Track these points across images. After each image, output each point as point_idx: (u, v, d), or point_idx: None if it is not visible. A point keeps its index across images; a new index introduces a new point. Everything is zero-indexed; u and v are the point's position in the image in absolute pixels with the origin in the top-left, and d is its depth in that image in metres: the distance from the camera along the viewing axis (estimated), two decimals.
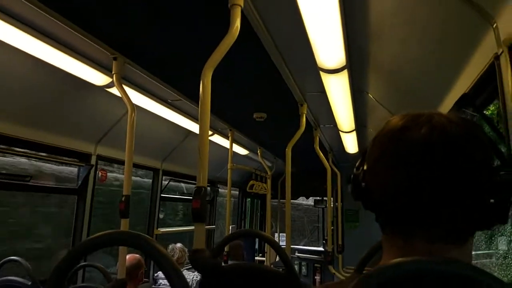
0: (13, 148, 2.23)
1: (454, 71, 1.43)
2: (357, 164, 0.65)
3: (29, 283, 1.90)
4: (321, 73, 2.09)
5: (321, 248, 6.60)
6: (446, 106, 1.63)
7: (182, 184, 4.91)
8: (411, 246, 0.57)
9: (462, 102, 1.30)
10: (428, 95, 1.94)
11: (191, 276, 3.28)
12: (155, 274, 3.50)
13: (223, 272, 1.40)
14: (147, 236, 0.67)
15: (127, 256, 2.52)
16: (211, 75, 1.33)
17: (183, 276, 0.63)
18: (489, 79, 1.14)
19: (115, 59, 2.01)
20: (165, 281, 3.42)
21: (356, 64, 2.03)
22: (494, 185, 0.55)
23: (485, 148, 0.56)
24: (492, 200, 0.54)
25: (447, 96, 1.61)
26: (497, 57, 1.04)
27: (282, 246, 1.67)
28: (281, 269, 1.74)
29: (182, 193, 4.73)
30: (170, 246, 3.67)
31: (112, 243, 0.69)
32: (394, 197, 0.57)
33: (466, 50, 1.26)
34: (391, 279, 0.46)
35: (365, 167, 0.62)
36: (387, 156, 0.59)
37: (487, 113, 1.37)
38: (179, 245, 3.67)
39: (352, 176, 0.65)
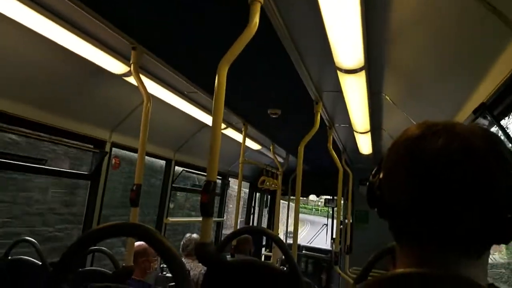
0: (31, 131, 2.28)
1: (473, 79, 1.40)
2: (373, 171, 0.65)
3: (39, 263, 1.95)
4: (338, 72, 2.07)
5: (329, 247, 6.58)
6: (463, 113, 1.60)
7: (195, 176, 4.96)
8: (424, 257, 0.56)
9: (480, 111, 1.28)
10: (445, 100, 1.91)
11: (199, 269, 3.31)
12: (162, 264, 3.55)
13: (227, 266, 1.42)
14: (153, 228, 0.68)
15: (136, 243, 2.56)
16: (226, 70, 1.33)
17: (186, 272, 0.64)
18: (509, 89, 1.12)
19: (134, 48, 2.03)
20: None
21: (374, 65, 2.00)
22: None
23: (505, 162, 0.55)
24: (510, 215, 0.53)
25: (465, 103, 1.58)
26: None
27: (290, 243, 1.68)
28: (286, 266, 1.75)
29: (194, 184, 4.77)
30: (187, 235, 3.70)
31: (120, 234, 0.71)
32: (408, 207, 0.56)
33: (487, 58, 1.23)
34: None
35: (381, 176, 0.62)
36: (403, 165, 0.58)
37: None
38: (195, 235, 3.67)
39: (368, 183, 0.65)
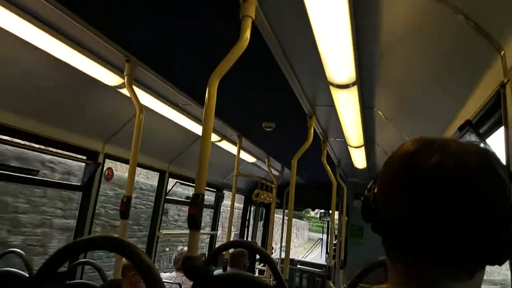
0: (24, 142, 2.28)
1: (460, 95, 1.41)
2: (368, 186, 0.65)
3: (27, 275, 1.92)
4: (330, 87, 2.08)
5: (323, 262, 6.54)
6: (452, 129, 1.61)
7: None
8: (413, 274, 0.56)
9: (465, 127, 1.29)
10: (434, 116, 1.93)
11: (190, 283, 3.27)
12: None
13: (213, 281, 1.40)
14: (133, 244, 0.68)
15: None
16: (217, 84, 1.34)
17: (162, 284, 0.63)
18: (494, 107, 1.13)
19: (128, 61, 2.04)
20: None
21: (366, 80, 2.02)
22: (507, 220, 0.53)
23: (500, 182, 0.54)
24: (504, 236, 0.52)
25: (454, 119, 1.59)
26: (503, 85, 1.03)
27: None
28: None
29: (187, 197, 4.75)
30: (179, 249, 3.67)
31: (98, 248, 0.70)
32: (400, 223, 0.56)
33: (473, 75, 1.25)
34: None
35: (376, 190, 0.62)
36: (396, 181, 0.58)
37: None
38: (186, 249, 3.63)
39: (363, 198, 0.65)
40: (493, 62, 1.10)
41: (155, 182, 4.17)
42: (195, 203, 1.24)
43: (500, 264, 0.54)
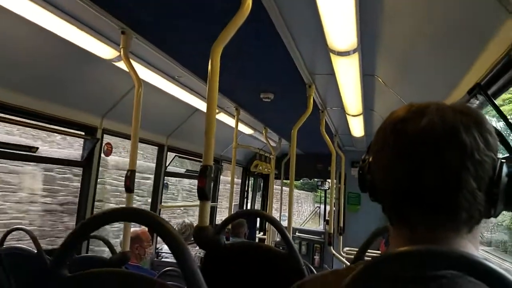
0: (20, 119, 2.24)
1: (468, 59, 1.40)
2: (363, 156, 0.66)
3: (35, 251, 1.94)
4: (331, 55, 2.05)
5: (321, 229, 6.68)
6: (457, 94, 1.60)
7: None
8: (416, 235, 0.57)
9: (475, 91, 1.28)
10: (439, 82, 1.91)
11: (194, 252, 3.34)
12: (159, 247, 3.58)
13: (225, 249, 1.43)
14: (156, 214, 0.68)
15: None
16: (220, 53, 1.31)
17: (190, 253, 0.64)
18: (504, 69, 1.12)
19: (123, 33, 1.98)
20: (167, 255, 3.49)
21: (367, 47, 1.99)
22: (498, 175, 0.54)
23: (489, 138, 0.56)
24: (496, 190, 0.54)
25: (459, 83, 1.58)
26: None
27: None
28: (280, 248, 1.77)
29: (187, 170, 4.77)
30: (180, 221, 3.72)
31: (121, 219, 0.70)
32: (395, 188, 0.57)
33: (481, 38, 1.23)
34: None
35: (370, 159, 0.63)
36: (388, 147, 0.58)
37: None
38: (187, 221, 3.71)
39: (358, 168, 0.66)
40: (503, 24, 1.08)
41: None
42: (204, 175, 1.24)
43: (495, 216, 0.57)
